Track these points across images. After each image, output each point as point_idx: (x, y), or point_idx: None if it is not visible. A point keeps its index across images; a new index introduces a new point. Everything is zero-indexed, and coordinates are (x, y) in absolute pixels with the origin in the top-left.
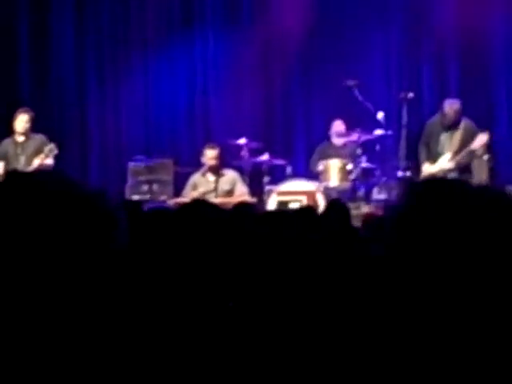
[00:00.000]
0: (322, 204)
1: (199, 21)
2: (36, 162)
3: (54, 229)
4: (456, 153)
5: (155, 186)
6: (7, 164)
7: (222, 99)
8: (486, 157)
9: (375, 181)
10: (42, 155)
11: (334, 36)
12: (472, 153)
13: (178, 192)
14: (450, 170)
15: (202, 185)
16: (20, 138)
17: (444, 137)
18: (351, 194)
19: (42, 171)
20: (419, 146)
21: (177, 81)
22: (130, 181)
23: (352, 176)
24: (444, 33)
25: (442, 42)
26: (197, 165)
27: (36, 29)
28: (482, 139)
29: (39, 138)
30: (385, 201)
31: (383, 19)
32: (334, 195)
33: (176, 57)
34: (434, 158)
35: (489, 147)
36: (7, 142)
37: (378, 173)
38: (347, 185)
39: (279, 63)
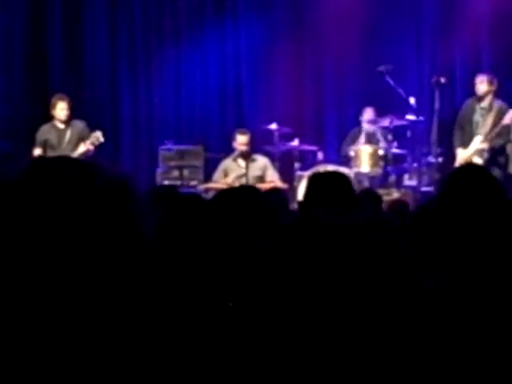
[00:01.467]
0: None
1: (231, 7)
2: (81, 149)
3: (76, 218)
4: (489, 134)
5: (186, 172)
6: (48, 151)
7: (253, 85)
8: None
9: (406, 167)
10: (88, 142)
11: (366, 21)
12: (505, 129)
13: (208, 177)
14: (483, 151)
15: (232, 170)
16: (61, 125)
17: (477, 118)
18: (382, 180)
19: (72, 159)
20: (454, 130)
21: (208, 67)
22: (160, 166)
23: (383, 162)
24: (477, 18)
25: (474, 26)
26: (228, 150)
27: (69, 17)
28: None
29: (81, 124)
30: (415, 188)
31: (416, 4)
32: (365, 181)
33: (208, 43)
34: (467, 141)
35: None
36: (46, 128)
37: (409, 159)
38: (378, 171)
39: (310, 49)
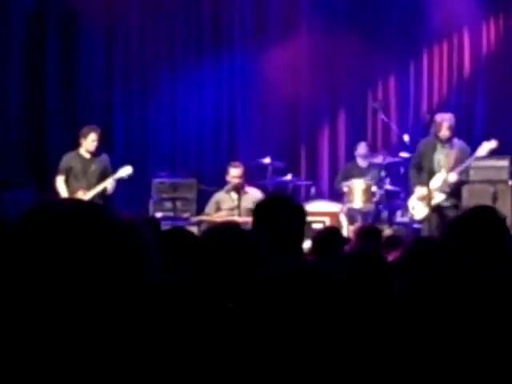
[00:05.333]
0: (345, 225)
1: (227, 41)
2: (108, 183)
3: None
4: (453, 168)
5: (179, 204)
6: (71, 179)
7: (248, 119)
8: (510, 182)
9: (399, 204)
10: (112, 177)
11: (361, 57)
12: (475, 160)
13: (201, 210)
14: (446, 185)
15: (225, 203)
16: (87, 155)
17: (438, 156)
18: (374, 216)
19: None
20: (411, 170)
21: (203, 100)
22: (153, 197)
23: (376, 198)
24: (474, 60)
25: (471, 68)
26: (221, 183)
27: (65, 45)
28: (489, 146)
29: (106, 158)
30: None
31: (414, 43)
32: (358, 217)
33: (203, 75)
34: (426, 179)
35: None
36: (72, 156)
37: (401, 196)
38: (371, 207)
39: (305, 85)
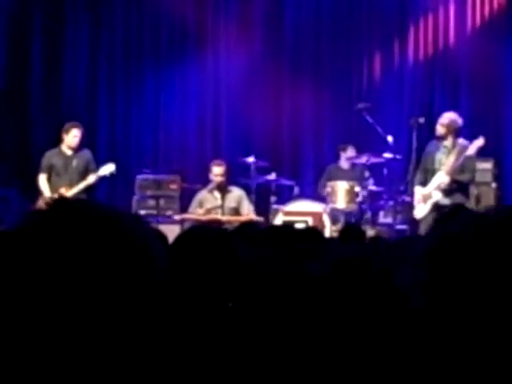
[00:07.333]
0: (328, 225)
1: (211, 39)
2: (91, 179)
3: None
4: (451, 169)
5: (162, 201)
6: (53, 176)
7: (232, 117)
8: (493, 185)
9: (382, 204)
10: (95, 174)
11: (347, 58)
12: (470, 163)
13: (184, 207)
14: (444, 184)
15: (208, 201)
16: (68, 152)
17: (439, 156)
18: (358, 216)
19: (84, 201)
20: (416, 169)
21: (187, 97)
22: (137, 194)
23: (359, 198)
24: (458, 62)
25: (455, 70)
26: (205, 181)
27: (49, 43)
28: (477, 143)
29: (87, 153)
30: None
31: (398, 45)
32: (341, 217)
33: (187, 73)
34: (428, 179)
35: (497, 176)
36: (53, 154)
37: (385, 196)
38: (354, 207)
39: (290, 84)
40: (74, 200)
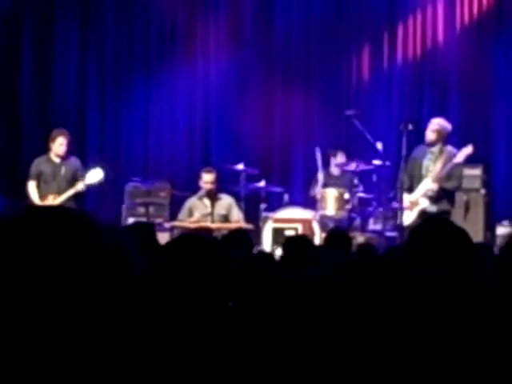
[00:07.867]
0: (317, 232)
1: (201, 44)
2: (79, 187)
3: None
4: (438, 176)
5: (152, 209)
6: (42, 184)
7: (222, 124)
8: (482, 191)
9: (371, 211)
10: (83, 182)
11: (336, 63)
12: (457, 170)
13: (174, 215)
14: (431, 191)
15: (197, 209)
16: (56, 160)
17: (426, 162)
18: (347, 223)
19: (61, 208)
20: (402, 175)
21: (177, 104)
22: (126, 202)
23: (348, 206)
24: (447, 64)
25: (444, 77)
26: (195, 189)
27: (39, 47)
28: (465, 151)
29: (76, 161)
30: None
31: (388, 50)
32: (330, 224)
33: (177, 80)
34: (415, 185)
35: (486, 183)
36: (42, 161)
37: (374, 203)
38: (343, 214)
39: (280, 91)
40: (44, 207)
